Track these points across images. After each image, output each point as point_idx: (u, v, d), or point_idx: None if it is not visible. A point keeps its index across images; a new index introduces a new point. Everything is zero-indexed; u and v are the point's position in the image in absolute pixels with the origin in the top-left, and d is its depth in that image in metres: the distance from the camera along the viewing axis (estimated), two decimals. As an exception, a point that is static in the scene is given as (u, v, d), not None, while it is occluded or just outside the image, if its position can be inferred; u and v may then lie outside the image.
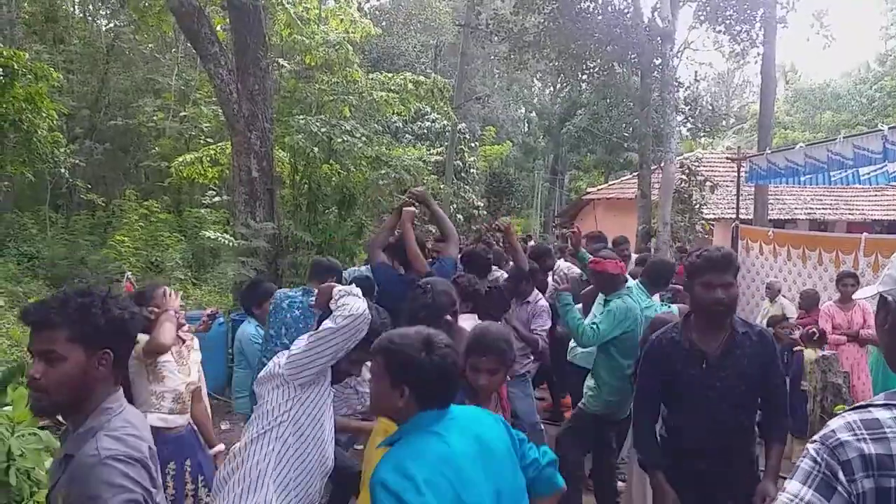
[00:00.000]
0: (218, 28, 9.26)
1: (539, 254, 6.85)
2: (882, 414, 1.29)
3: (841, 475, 1.25)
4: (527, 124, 36.53)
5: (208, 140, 15.10)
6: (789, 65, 36.22)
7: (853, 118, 29.31)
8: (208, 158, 10.79)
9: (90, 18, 19.28)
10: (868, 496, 1.24)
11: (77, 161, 13.54)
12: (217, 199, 15.42)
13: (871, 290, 1.50)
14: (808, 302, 7.61)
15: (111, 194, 16.21)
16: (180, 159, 11.44)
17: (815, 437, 1.34)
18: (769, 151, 10.45)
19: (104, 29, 18.69)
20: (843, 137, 8.11)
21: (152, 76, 16.83)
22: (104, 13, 19.39)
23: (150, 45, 16.71)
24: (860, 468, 1.25)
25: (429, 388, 1.92)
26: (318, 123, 8.75)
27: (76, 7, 18.60)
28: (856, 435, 1.27)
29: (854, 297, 1.83)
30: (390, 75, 10.41)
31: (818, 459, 1.29)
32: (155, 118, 15.36)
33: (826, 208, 17.54)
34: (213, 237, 8.55)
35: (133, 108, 15.97)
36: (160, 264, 12.10)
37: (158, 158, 15.17)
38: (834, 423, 1.33)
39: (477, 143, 23.64)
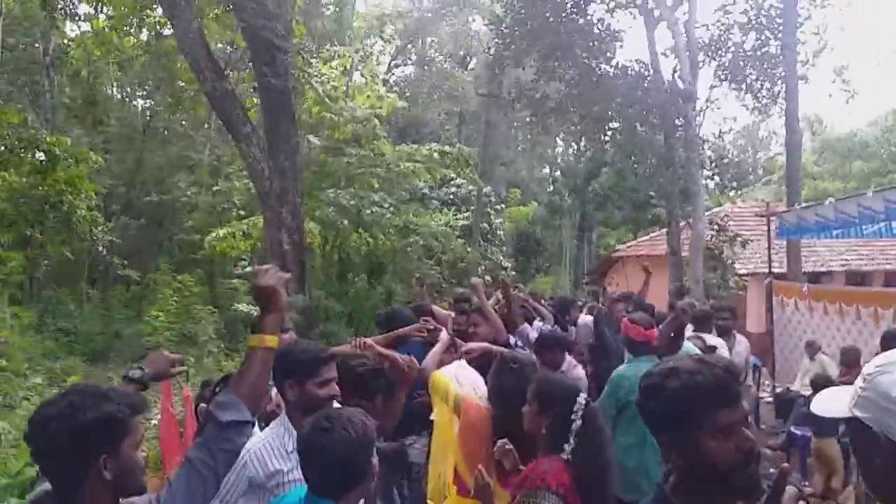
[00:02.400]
0: (250, 108, 9.61)
1: (563, 307, 6.83)
2: None
3: None
4: (552, 183, 36.78)
5: (241, 213, 15.49)
6: (814, 115, 36.11)
7: (883, 166, 28.97)
8: (241, 232, 11.05)
9: (127, 100, 20.18)
10: None
11: (113, 238, 13.94)
12: (248, 269, 15.71)
13: (843, 409, 1.29)
14: (849, 358, 7.39)
15: (145, 268, 16.61)
16: (213, 234, 11.73)
17: None
18: (798, 207, 10.36)
19: (140, 109, 19.53)
20: (874, 192, 8.02)
21: (186, 152, 17.43)
22: (141, 94, 20.27)
23: (183, 122, 17.36)
24: None
25: None
26: (347, 196, 8.96)
27: (114, 89, 19.49)
28: None
29: (814, 409, 1.35)
30: (416, 146, 10.68)
31: None
32: (188, 193, 15.84)
33: (862, 259, 17.15)
34: (245, 310, 8.68)
35: (167, 184, 16.51)
36: (193, 337, 12.27)
37: (192, 231, 15.56)
38: None
39: (503, 206, 23.84)
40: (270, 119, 8.73)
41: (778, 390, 9.94)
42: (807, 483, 6.72)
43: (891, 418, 1.17)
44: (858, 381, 1.27)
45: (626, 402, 3.90)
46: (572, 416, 2.61)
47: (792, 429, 7.47)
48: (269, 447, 2.51)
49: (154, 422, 7.95)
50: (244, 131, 8.44)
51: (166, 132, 18.09)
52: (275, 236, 8.80)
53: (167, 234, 17.81)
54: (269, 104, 8.72)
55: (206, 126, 17.61)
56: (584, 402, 2.68)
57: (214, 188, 15.87)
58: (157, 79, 14.97)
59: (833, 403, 1.33)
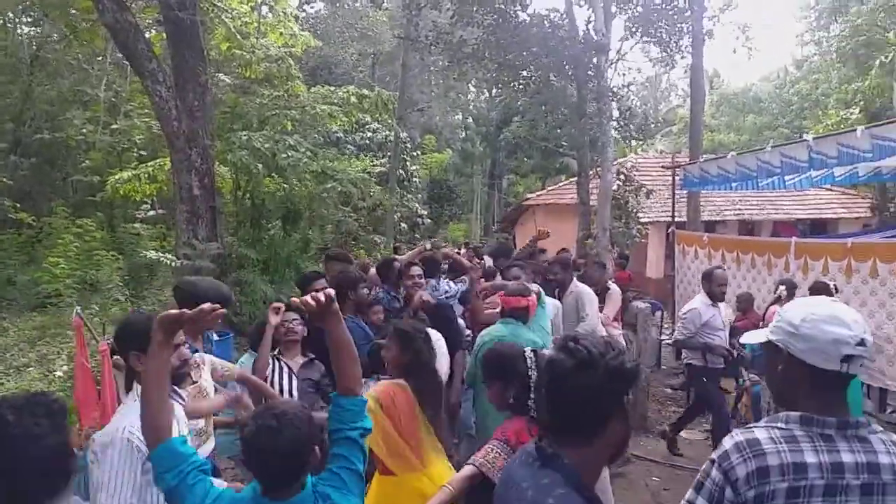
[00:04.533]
0: (155, 43, 9.03)
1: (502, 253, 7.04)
2: (762, 434, 1.67)
3: (729, 491, 1.64)
4: (464, 130, 36.82)
5: (142, 153, 14.66)
6: (713, 70, 37.66)
7: (774, 120, 30.71)
8: (146, 175, 10.49)
9: (10, 26, 18.41)
10: (750, 502, 1.62)
11: (3, 179, 12.93)
12: (152, 213, 14.99)
13: (762, 336, 1.83)
14: (744, 303, 7.99)
15: (39, 210, 15.52)
16: (117, 176, 11.07)
17: (714, 457, 1.71)
18: (702, 160, 10.90)
19: (25, 38, 17.87)
20: (772, 147, 8.54)
21: (80, 87, 16.20)
22: (27, 21, 18.53)
23: (78, 55, 16.08)
24: (744, 483, 1.62)
25: None
26: (261, 139, 8.66)
27: (-6, 15, 17.73)
28: (743, 456, 1.64)
29: (743, 340, 2.08)
30: (333, 89, 10.38)
31: (714, 478, 1.68)
32: (84, 131, 14.80)
33: (753, 209, 18.32)
34: (155, 257, 8.34)
35: (60, 121, 15.34)
36: (96, 284, 11.67)
37: (89, 173, 14.63)
38: (727, 444, 1.70)
39: (418, 153, 23.70)
40: (177, 55, 8.24)
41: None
42: (704, 420, 7.30)
43: (791, 338, 1.71)
44: (776, 316, 1.83)
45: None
46: (529, 374, 2.76)
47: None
48: None
49: (59, 373, 7.61)
50: (149, 67, 7.93)
51: (57, 64, 16.67)
52: (184, 180, 8.44)
53: (62, 174, 16.63)
54: (176, 39, 8.22)
55: (99, 59, 16.39)
56: (533, 355, 2.82)
57: (113, 126, 14.92)
58: (44, 5, 13.70)
59: (757, 335, 1.89)
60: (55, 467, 1.60)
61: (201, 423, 3.54)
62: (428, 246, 6.56)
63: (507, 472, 1.77)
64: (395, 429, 3.06)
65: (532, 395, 2.64)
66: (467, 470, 2.56)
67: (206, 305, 2.04)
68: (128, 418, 2.39)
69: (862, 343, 1.62)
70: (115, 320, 10.04)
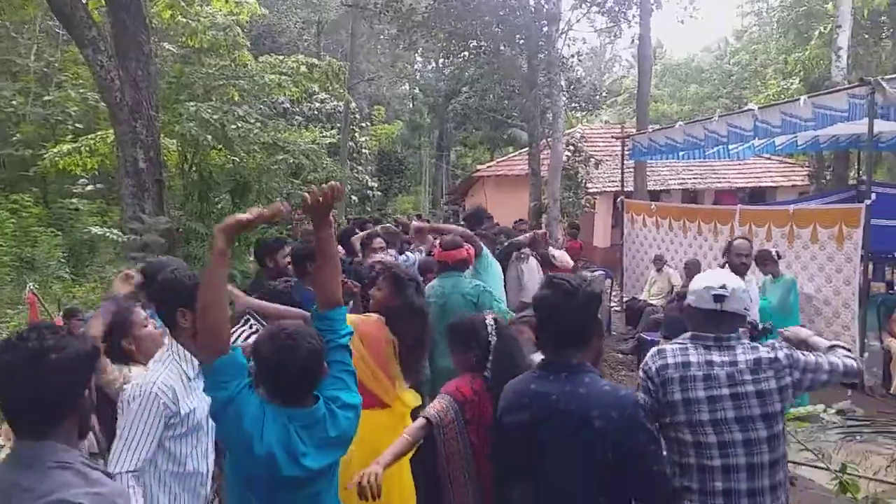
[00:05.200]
0: (93, 9, 8.60)
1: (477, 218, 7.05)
2: (666, 346, 2.52)
3: (649, 383, 2.45)
4: (412, 101, 36.48)
5: (77, 126, 14.06)
6: (656, 41, 38.16)
7: (715, 91, 31.39)
8: (87, 148, 10.05)
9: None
10: (660, 388, 2.42)
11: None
12: (90, 187, 14.42)
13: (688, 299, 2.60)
14: (691, 270, 8.22)
15: (-33, 186, 14.77)
16: (56, 150, 10.58)
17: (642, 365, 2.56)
18: (651, 130, 11.09)
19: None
20: (719, 116, 8.77)
21: (8, 57, 15.35)
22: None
23: (5, 23, 15.22)
24: (655, 375, 2.43)
25: None
26: (209, 110, 8.38)
27: None
28: (653, 359, 2.48)
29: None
30: (282, 58, 10.10)
31: (641, 376, 2.50)
32: (14, 103, 14.08)
33: (696, 178, 18.81)
34: (100, 232, 8.04)
35: (-13, 92, 14.54)
36: (34, 262, 11.24)
37: (21, 146, 13.97)
38: (648, 355, 2.54)
39: (368, 123, 23.38)
40: (118, 23, 7.85)
41: (626, 300, 10.89)
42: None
43: (691, 293, 2.51)
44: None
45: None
46: (489, 339, 2.91)
47: (642, 334, 8.28)
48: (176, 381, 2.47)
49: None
50: (89, 36, 7.54)
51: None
52: (129, 153, 8.09)
53: (-9, 148, 15.81)
54: (116, 6, 7.82)
55: (30, 27, 15.55)
56: (493, 321, 2.94)
57: (45, 98, 14.23)
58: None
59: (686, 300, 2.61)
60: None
61: None
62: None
63: (525, 394, 2.28)
64: (372, 360, 3.18)
65: (490, 358, 2.87)
66: (421, 421, 2.71)
67: (266, 209, 2.18)
68: (159, 375, 2.43)
69: (724, 287, 2.40)
70: (53, 297, 9.72)
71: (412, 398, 3.34)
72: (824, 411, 2.56)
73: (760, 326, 5.06)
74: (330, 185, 2.23)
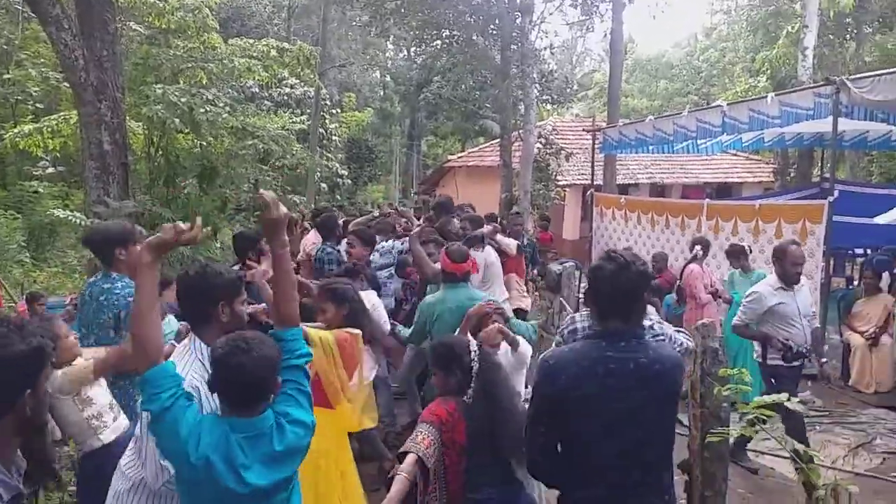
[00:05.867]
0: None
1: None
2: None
3: None
4: (383, 89, 36.23)
5: (38, 106, 13.67)
6: (627, 36, 38.45)
7: (684, 87, 31.82)
8: (49, 129, 9.76)
9: None
10: None
11: None
12: (51, 170, 14.03)
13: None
14: (659, 263, 8.33)
15: (-79, 167, 14.28)
16: (16, 130, 10.26)
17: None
18: (622, 124, 11.19)
19: None
20: (688, 112, 8.88)
21: (-36, 33, 14.84)
22: None
23: (-39, -2, 14.72)
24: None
25: None
26: (177, 93, 8.19)
27: None
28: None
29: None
30: (252, 41, 9.92)
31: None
32: (-29, 81, 13.63)
33: (664, 173, 19.02)
34: (63, 215, 7.82)
35: (-56, 70, 14.04)
36: (-8, 246, 10.92)
37: (-22, 127, 13.53)
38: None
39: (338, 110, 23.12)
40: (82, 1, 7.64)
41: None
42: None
43: None
44: None
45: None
46: (472, 364, 2.91)
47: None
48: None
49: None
50: (53, 13, 7.30)
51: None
52: (93, 135, 7.88)
53: (-54, 128, 15.28)
54: (81, -18, 7.61)
55: (-15, 3, 15.04)
56: (476, 347, 2.97)
57: (4, 76, 13.80)
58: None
59: None
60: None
61: None
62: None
63: (600, 362, 2.18)
64: (341, 362, 3.25)
65: (472, 384, 2.86)
66: (411, 457, 2.69)
67: (179, 224, 2.15)
68: (184, 367, 2.38)
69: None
70: (14, 282, 9.47)
71: (351, 411, 3.35)
72: (788, 400, 2.53)
73: (795, 349, 4.77)
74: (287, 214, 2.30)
